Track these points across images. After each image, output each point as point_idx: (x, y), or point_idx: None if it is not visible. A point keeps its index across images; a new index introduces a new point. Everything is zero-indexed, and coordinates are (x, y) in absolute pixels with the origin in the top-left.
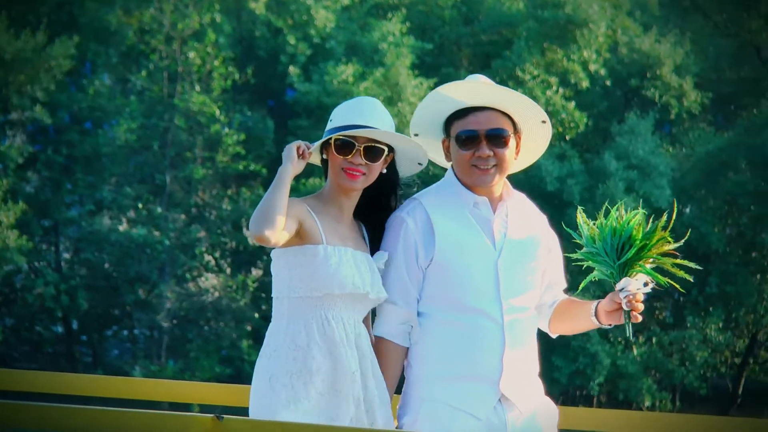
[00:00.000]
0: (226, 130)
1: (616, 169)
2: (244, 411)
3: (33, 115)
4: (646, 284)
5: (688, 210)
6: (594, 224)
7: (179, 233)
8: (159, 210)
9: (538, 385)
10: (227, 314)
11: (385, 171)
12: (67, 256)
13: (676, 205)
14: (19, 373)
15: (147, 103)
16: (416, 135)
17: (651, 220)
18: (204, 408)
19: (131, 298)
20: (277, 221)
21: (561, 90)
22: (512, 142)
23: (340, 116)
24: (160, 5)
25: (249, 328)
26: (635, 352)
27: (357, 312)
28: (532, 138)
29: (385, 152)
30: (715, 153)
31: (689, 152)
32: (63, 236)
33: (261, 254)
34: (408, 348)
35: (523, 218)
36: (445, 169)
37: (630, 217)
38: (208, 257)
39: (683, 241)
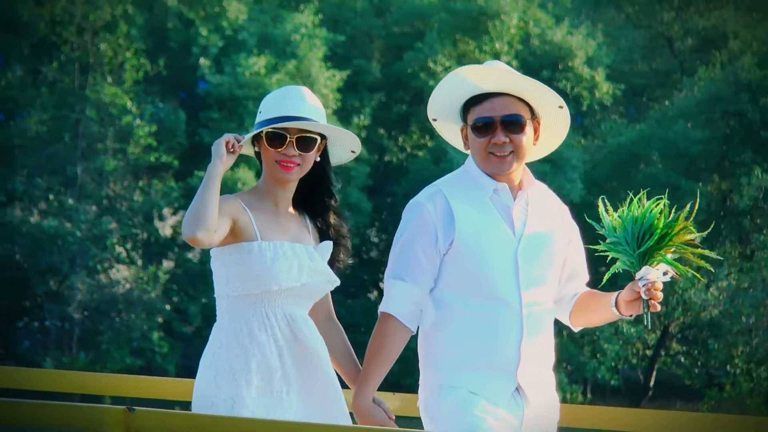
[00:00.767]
0: (138, 121)
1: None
2: (154, 403)
3: None
4: (665, 273)
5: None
6: (616, 214)
7: (90, 225)
8: (70, 201)
9: (551, 379)
10: (138, 306)
11: (318, 159)
12: None
13: (696, 199)
14: None
15: (58, 94)
16: (434, 120)
17: (674, 210)
18: (115, 400)
19: (42, 289)
20: (209, 222)
21: None
22: (529, 128)
23: (269, 108)
24: None
25: (160, 320)
26: None
27: (300, 306)
28: (552, 123)
29: (318, 141)
30: (627, 145)
31: (601, 144)
32: None
33: (172, 246)
34: (413, 333)
35: (544, 208)
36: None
37: (652, 205)
38: (119, 249)
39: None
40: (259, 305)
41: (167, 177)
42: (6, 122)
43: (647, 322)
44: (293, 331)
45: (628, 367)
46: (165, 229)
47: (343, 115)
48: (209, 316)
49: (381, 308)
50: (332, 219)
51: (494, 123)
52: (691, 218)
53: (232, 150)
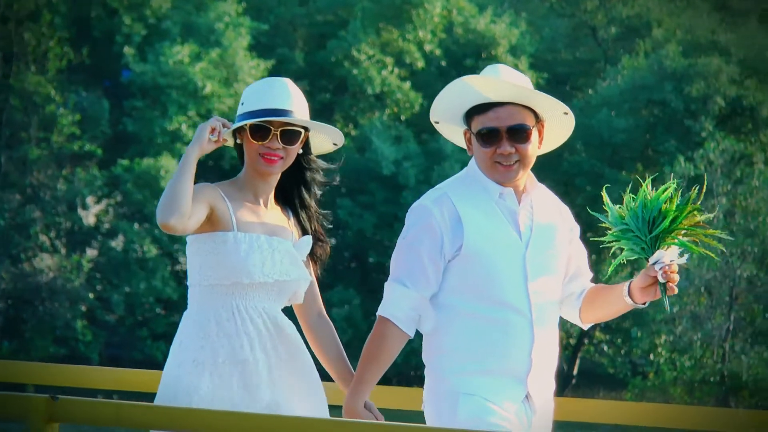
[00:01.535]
0: (62, 110)
1: (453, 150)
2: (78, 391)
3: None
4: (682, 255)
5: None
6: (621, 205)
7: (14, 213)
8: None
9: (554, 385)
10: (62, 294)
11: (301, 151)
12: None
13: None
14: None
15: None
16: (436, 123)
17: (680, 194)
18: (38, 388)
19: None
20: (182, 208)
21: (396, 70)
22: (534, 135)
23: (252, 100)
24: None
25: (83, 308)
26: None
27: (273, 300)
28: (556, 127)
29: (302, 134)
30: None
31: None
32: None
33: (96, 234)
34: (409, 337)
35: (548, 210)
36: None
37: (662, 190)
38: (42, 237)
39: (710, 215)
40: (229, 296)
41: (91, 166)
42: None
43: (666, 306)
44: (265, 324)
45: None
46: (88, 218)
47: None
48: (132, 305)
49: (379, 311)
50: (314, 212)
51: (500, 133)
52: (699, 201)
53: (215, 138)
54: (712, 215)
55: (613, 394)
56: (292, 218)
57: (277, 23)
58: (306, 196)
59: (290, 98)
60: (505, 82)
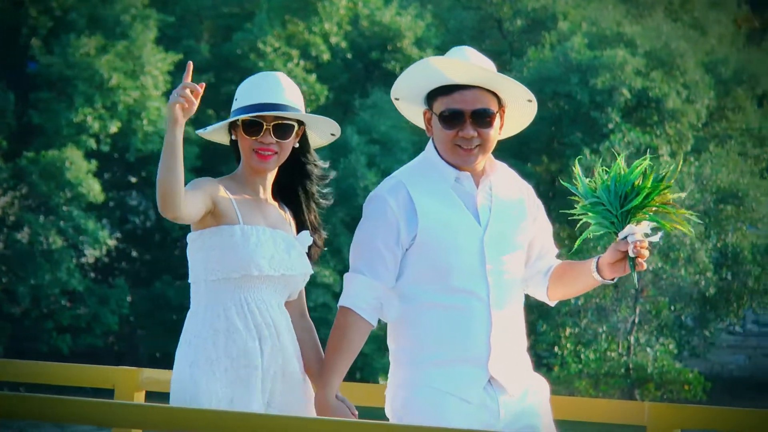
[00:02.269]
0: None
1: (358, 143)
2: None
3: None
4: (654, 232)
5: None
6: (593, 178)
7: None
8: None
9: (527, 363)
10: None
11: (297, 145)
12: None
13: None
14: None
15: None
16: (396, 99)
17: (654, 170)
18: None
19: None
20: (175, 199)
21: (302, 62)
22: (497, 120)
23: (244, 95)
24: None
25: None
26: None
27: (279, 294)
28: (517, 115)
29: (295, 128)
30: None
31: None
32: None
33: (1, 227)
34: (372, 327)
35: (508, 190)
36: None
37: (636, 165)
38: None
39: (682, 194)
40: (237, 290)
41: None
42: None
43: (635, 281)
44: (272, 319)
45: None
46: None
47: None
48: (38, 297)
49: (340, 302)
50: (312, 206)
51: (463, 116)
52: (674, 179)
53: (187, 104)
54: (683, 194)
55: None
56: (288, 212)
57: (183, 15)
58: (305, 190)
59: (282, 92)
60: (473, 65)
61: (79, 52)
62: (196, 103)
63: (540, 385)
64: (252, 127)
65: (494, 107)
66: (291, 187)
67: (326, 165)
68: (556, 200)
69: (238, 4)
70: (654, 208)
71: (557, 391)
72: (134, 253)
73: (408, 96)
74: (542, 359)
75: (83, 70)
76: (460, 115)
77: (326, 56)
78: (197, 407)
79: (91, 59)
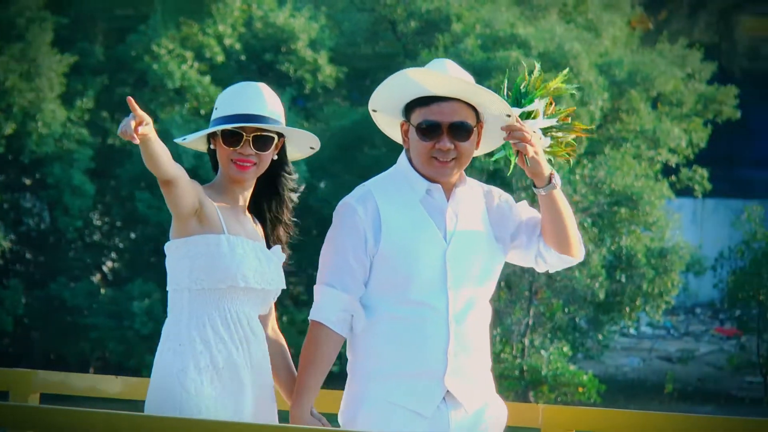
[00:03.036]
0: None
1: None
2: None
3: None
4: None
5: (322, 185)
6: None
7: None
8: None
9: (488, 382)
10: None
11: (276, 157)
12: None
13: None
14: None
15: None
16: (374, 111)
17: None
18: None
19: None
20: (163, 166)
21: (196, 64)
22: (474, 134)
23: (225, 104)
24: None
25: None
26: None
27: (257, 306)
28: (494, 130)
29: (275, 139)
30: (351, 128)
31: (324, 127)
32: None
33: None
34: (345, 339)
35: (476, 205)
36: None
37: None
38: None
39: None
40: (222, 300)
41: None
42: None
43: (510, 165)
44: (253, 331)
45: None
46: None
47: (66, 99)
48: None
49: (311, 316)
50: (285, 218)
51: (441, 128)
52: (571, 86)
53: (137, 129)
54: (574, 83)
55: None
56: (259, 225)
57: (77, 17)
58: (279, 203)
59: (264, 103)
60: (452, 77)
61: None
62: (146, 116)
63: (498, 408)
64: (231, 138)
65: (472, 121)
66: (266, 200)
67: (296, 176)
68: None
69: (132, 5)
70: (546, 95)
71: None
72: (28, 255)
73: (385, 107)
74: None
75: None
76: (438, 127)
77: (220, 58)
78: (185, 416)
79: None
